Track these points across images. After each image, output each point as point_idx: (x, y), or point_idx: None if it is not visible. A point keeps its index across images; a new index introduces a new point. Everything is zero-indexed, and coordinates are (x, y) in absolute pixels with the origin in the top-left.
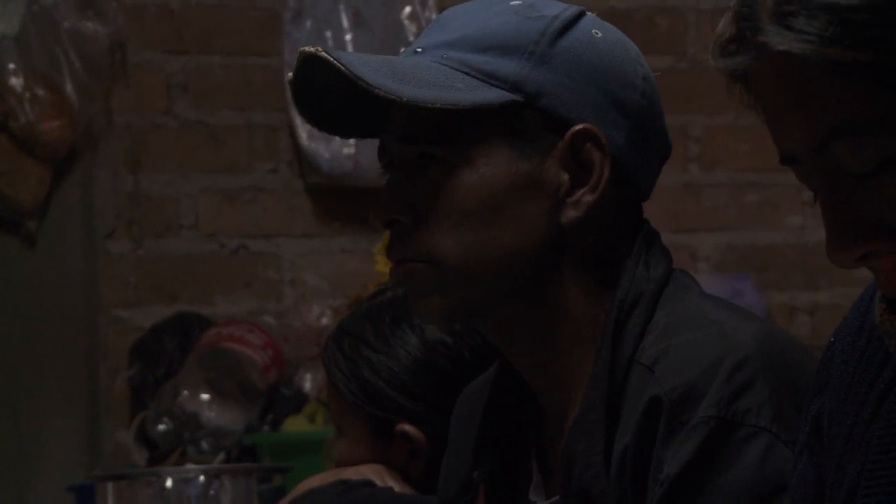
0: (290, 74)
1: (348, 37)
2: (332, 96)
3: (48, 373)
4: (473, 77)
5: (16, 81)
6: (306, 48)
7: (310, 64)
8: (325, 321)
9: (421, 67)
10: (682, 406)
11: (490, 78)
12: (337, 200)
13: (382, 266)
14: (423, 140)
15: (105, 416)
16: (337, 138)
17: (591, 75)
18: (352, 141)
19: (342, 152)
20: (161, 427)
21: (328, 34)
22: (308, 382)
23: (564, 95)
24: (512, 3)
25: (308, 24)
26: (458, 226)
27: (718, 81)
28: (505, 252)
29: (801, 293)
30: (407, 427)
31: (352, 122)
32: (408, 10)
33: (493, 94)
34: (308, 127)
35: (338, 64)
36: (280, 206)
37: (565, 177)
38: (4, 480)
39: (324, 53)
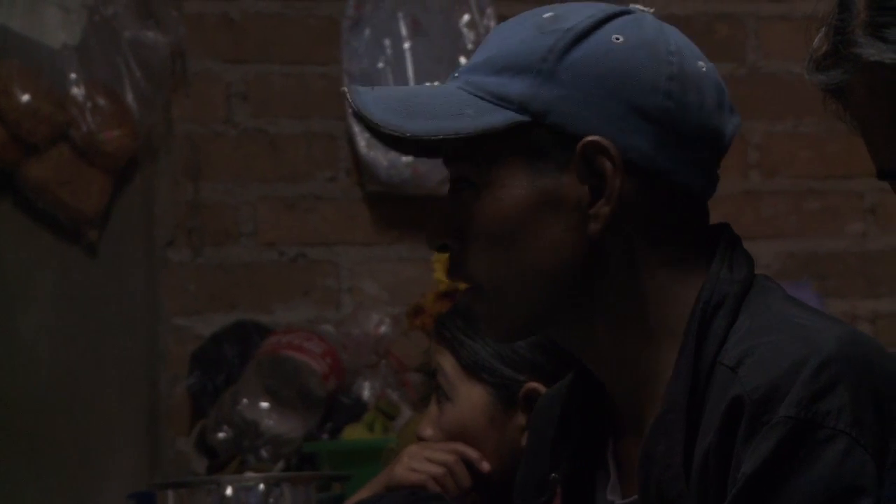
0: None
1: (407, 45)
2: None
3: (108, 380)
4: (486, 101)
5: (77, 91)
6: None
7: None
8: (383, 329)
9: (438, 97)
10: (763, 406)
11: (499, 100)
12: (395, 208)
13: (441, 274)
14: (453, 162)
15: (165, 424)
16: None
17: (603, 85)
18: None
19: (400, 160)
20: (221, 435)
21: (387, 42)
22: (367, 391)
23: (573, 110)
24: (544, 16)
25: (367, 32)
26: (487, 248)
27: (778, 88)
28: (537, 270)
29: (863, 301)
30: (536, 385)
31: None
32: (466, 18)
33: (499, 118)
34: (367, 135)
35: (350, 102)
36: (339, 215)
37: (585, 189)
38: (65, 488)
39: (344, 89)
